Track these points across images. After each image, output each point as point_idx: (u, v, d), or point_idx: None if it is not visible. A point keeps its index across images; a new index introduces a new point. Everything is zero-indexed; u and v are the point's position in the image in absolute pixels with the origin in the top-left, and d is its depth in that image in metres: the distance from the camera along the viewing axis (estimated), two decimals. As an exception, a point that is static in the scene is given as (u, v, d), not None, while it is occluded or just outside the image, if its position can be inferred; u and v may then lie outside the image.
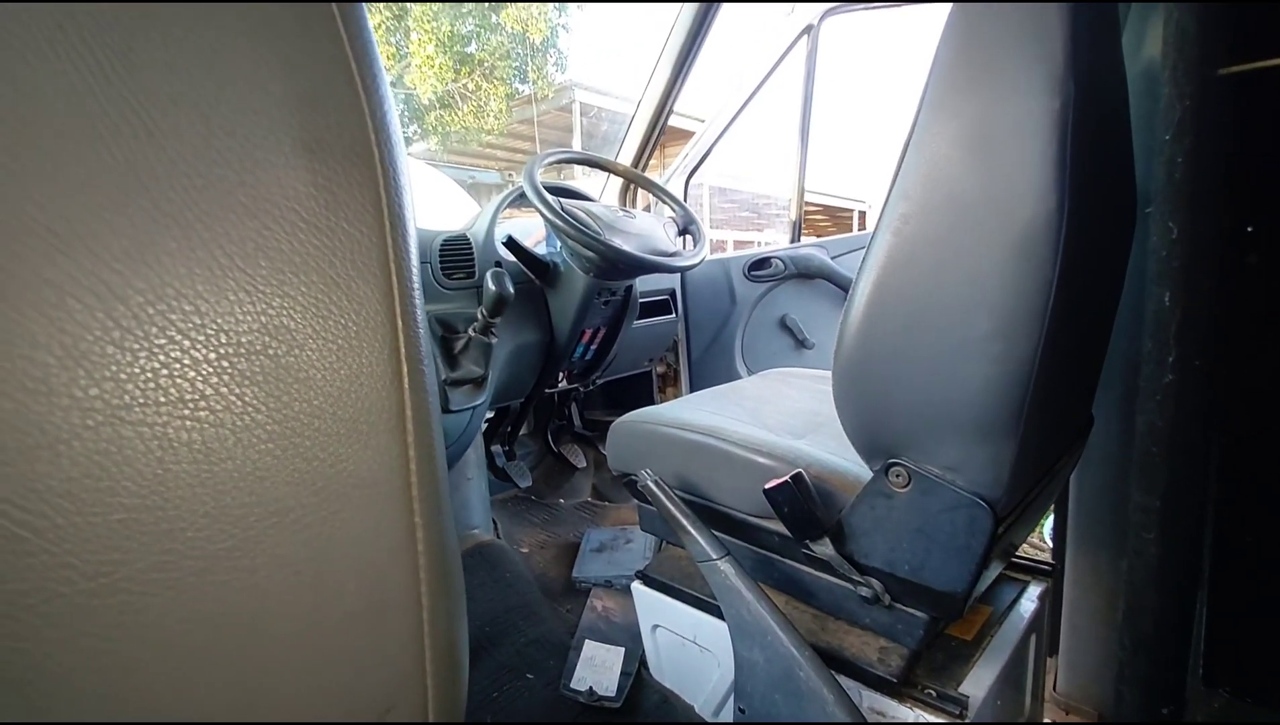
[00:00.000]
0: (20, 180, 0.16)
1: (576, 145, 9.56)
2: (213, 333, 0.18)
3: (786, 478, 0.72)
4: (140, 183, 0.17)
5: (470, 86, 8.71)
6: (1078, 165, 0.55)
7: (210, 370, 0.18)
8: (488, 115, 8.94)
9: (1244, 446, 0.64)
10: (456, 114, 8.89)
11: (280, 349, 0.20)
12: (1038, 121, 0.55)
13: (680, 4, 1.56)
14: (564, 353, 1.44)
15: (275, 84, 0.19)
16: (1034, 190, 0.55)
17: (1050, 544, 1.59)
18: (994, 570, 0.80)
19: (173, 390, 0.18)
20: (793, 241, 2.01)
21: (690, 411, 0.99)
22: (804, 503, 0.72)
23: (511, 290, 1.07)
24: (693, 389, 1.97)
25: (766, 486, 0.73)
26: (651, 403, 1.98)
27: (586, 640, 1.15)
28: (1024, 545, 1.71)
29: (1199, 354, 0.45)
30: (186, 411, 0.18)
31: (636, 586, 1.05)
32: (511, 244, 1.30)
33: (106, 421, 0.17)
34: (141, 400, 0.17)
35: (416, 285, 0.23)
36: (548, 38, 8.38)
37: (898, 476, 0.67)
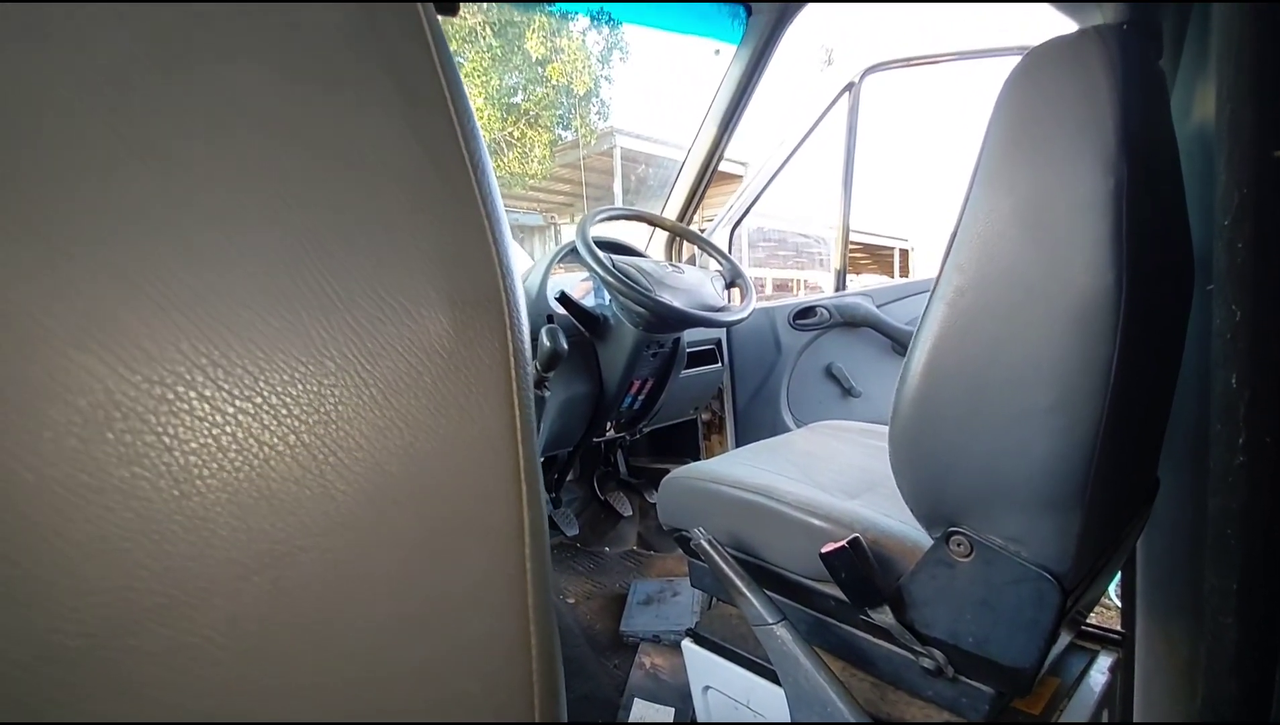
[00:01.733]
0: (229, 350, 0.19)
1: (617, 187, 9.80)
2: (368, 461, 0.21)
3: (844, 543, 0.72)
4: (322, 348, 0.20)
5: (515, 134, 9.05)
6: (1134, 241, 0.56)
7: (363, 496, 0.21)
8: (532, 161, 9.25)
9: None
10: (502, 160, 9.23)
11: (423, 473, 0.22)
12: (1092, 200, 0.56)
13: (729, 61, 1.62)
14: (613, 403, 1.47)
15: (428, 244, 0.23)
16: (1091, 267, 0.56)
17: (1118, 604, 1.51)
18: (1063, 641, 0.77)
19: (334, 514, 0.21)
20: (837, 289, 2.02)
21: (742, 467, 1.00)
22: (862, 569, 0.72)
23: (565, 346, 1.11)
24: (738, 437, 1.97)
25: (823, 551, 0.73)
26: (697, 450, 1.98)
27: (636, 699, 1.15)
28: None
29: (1270, 432, 0.45)
30: (350, 535, 0.21)
31: (688, 645, 1.05)
32: (564, 299, 1.35)
33: (288, 552, 0.20)
34: (314, 528, 0.20)
35: (532, 409, 0.25)
36: (591, 89, 8.69)
37: (959, 545, 0.66)
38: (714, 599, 1.13)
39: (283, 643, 0.20)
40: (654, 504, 1.93)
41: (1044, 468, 0.59)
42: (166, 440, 0.18)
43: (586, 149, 9.59)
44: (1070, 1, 0.65)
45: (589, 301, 1.50)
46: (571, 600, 1.56)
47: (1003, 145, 0.61)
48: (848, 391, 1.91)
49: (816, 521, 0.81)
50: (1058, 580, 0.60)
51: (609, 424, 1.58)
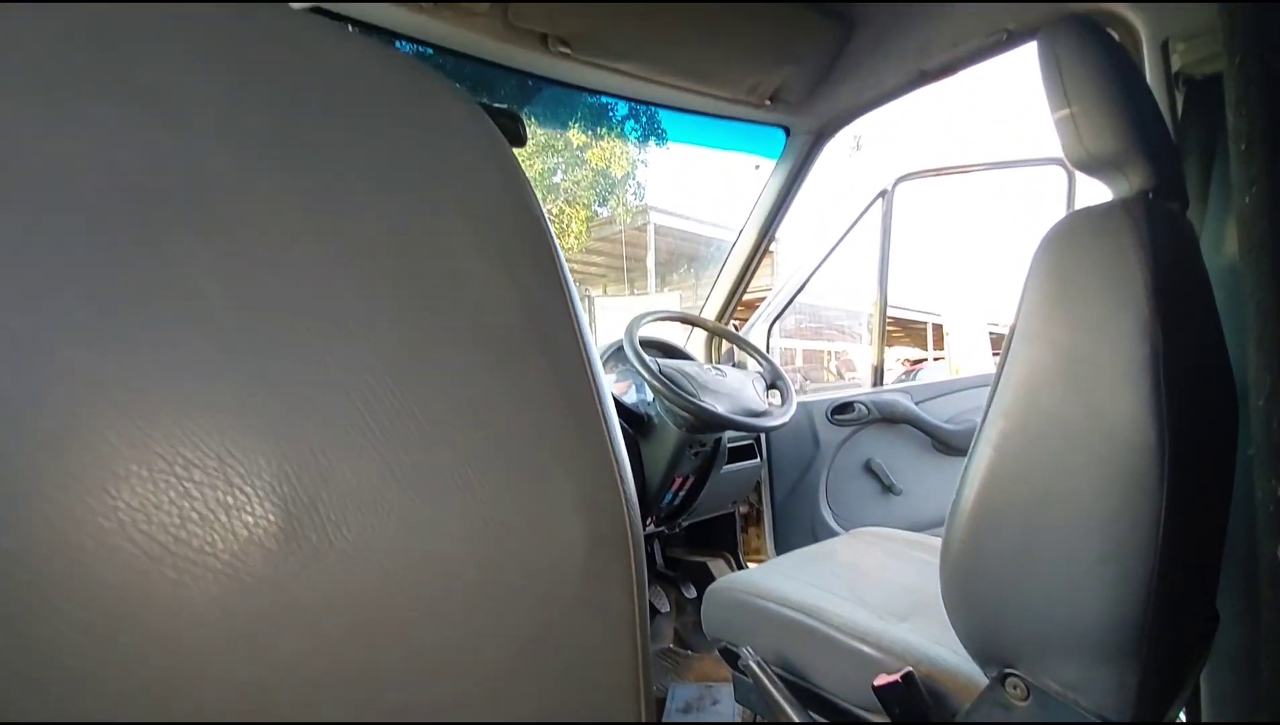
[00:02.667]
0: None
1: (651, 261, 10.10)
2: (518, 680, 0.26)
3: (897, 677, 0.73)
4: (492, 572, 0.25)
5: (554, 211, 9.47)
6: (1174, 399, 0.59)
7: (510, 706, 0.26)
8: (569, 235, 9.61)
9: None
10: (540, 237, 9.60)
11: (552, 682, 0.27)
12: (1130, 361, 0.60)
13: (768, 176, 1.72)
14: (655, 500, 1.50)
15: (569, 492, 0.28)
16: (1134, 423, 0.59)
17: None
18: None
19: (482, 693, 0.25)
20: (874, 385, 2.05)
21: (788, 582, 1.01)
22: (916, 705, 0.72)
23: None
24: (776, 531, 1.96)
25: (876, 683, 0.74)
26: (735, 543, 1.98)
27: (678, 815, 1.12)
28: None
29: None
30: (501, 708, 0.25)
31: (733, 762, 1.04)
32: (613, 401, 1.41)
33: (425, 671, 0.24)
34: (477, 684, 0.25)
35: (649, 631, 0.30)
36: (628, 171, 9.12)
37: (1015, 688, 0.67)
38: (757, 716, 1.12)
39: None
40: (690, 599, 1.92)
41: (1098, 617, 0.61)
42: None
43: (622, 225, 9.95)
44: (1097, 172, 0.71)
45: (630, 397, 1.56)
46: (609, 701, 1.54)
47: (1041, 303, 0.66)
48: (887, 488, 1.91)
49: (868, 649, 0.81)
50: (1118, 733, 0.60)
51: (649, 519, 1.61)
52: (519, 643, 0.26)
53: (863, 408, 1.89)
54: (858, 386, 2.05)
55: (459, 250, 0.27)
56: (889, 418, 1.90)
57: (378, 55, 0.29)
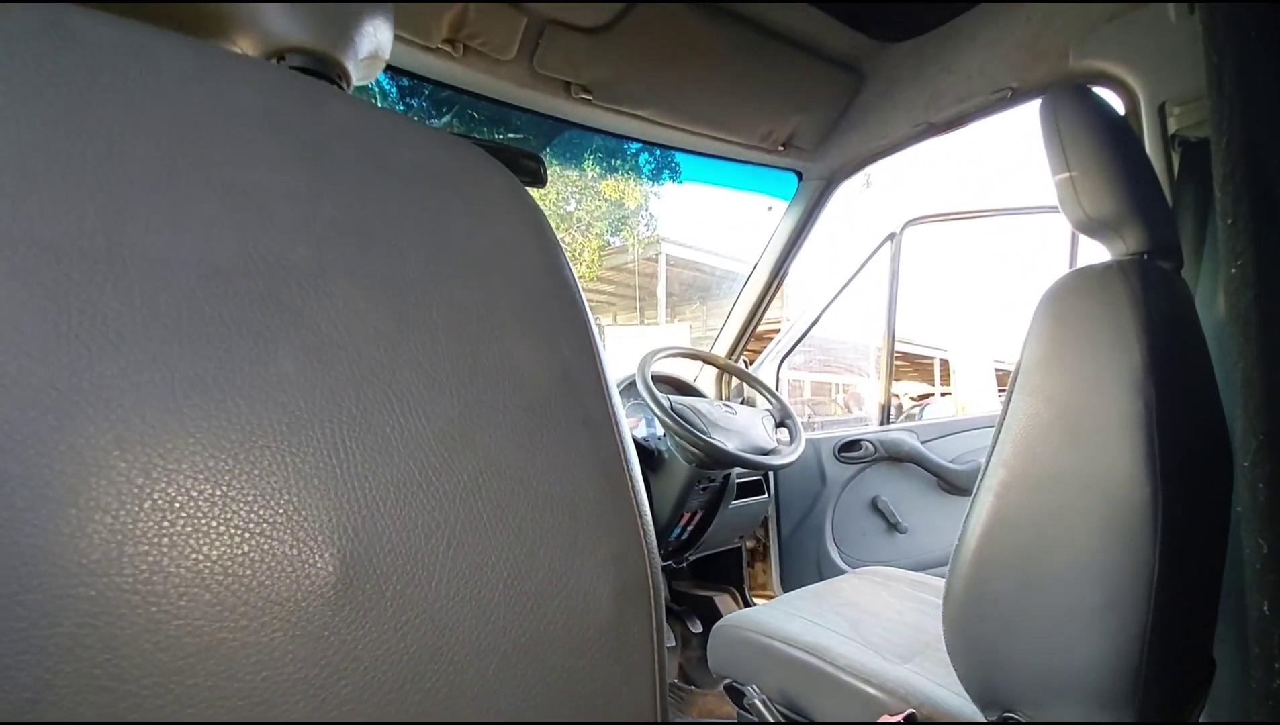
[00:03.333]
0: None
1: (660, 292, 10.19)
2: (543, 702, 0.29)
3: (899, 718, 0.75)
4: (527, 611, 0.28)
5: (566, 239, 9.61)
6: (1167, 454, 0.62)
7: None
8: (580, 264, 9.73)
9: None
10: (552, 265, 9.72)
11: (595, 700, 0.29)
12: (1125, 418, 0.62)
13: (780, 217, 1.77)
14: (663, 534, 1.51)
15: (601, 550, 0.31)
16: (1127, 478, 0.62)
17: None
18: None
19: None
20: (882, 424, 2.07)
21: (793, 620, 1.03)
22: (918, 747, 0.73)
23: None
24: (782, 567, 1.97)
25: (879, 724, 0.76)
26: (741, 578, 1.98)
27: None
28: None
29: None
30: None
31: (735, 801, 1.04)
32: (623, 436, 1.44)
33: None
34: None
35: (666, 676, 0.33)
36: (641, 204, 9.27)
37: (1015, 733, 0.68)
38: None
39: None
40: (696, 634, 1.92)
41: (1095, 664, 0.63)
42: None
43: (633, 255, 10.07)
44: (1095, 233, 0.74)
45: (640, 432, 1.58)
46: (612, 735, 1.54)
47: (1040, 358, 0.69)
48: (893, 526, 1.92)
49: (871, 690, 0.83)
50: (1115, 780, 0.62)
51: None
52: (551, 686, 0.29)
53: (869, 446, 1.91)
54: (864, 422, 2.07)
55: (506, 324, 0.31)
56: (895, 456, 1.91)
57: (435, 141, 0.33)
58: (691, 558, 1.74)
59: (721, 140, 1.42)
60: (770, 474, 1.88)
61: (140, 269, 0.23)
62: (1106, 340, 0.65)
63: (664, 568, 1.86)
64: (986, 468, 0.72)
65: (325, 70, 0.35)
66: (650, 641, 0.31)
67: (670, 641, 1.87)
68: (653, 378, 1.43)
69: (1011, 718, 0.69)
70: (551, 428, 0.31)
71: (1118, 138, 0.75)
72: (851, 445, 1.93)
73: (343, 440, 0.25)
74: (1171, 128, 1.07)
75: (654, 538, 0.33)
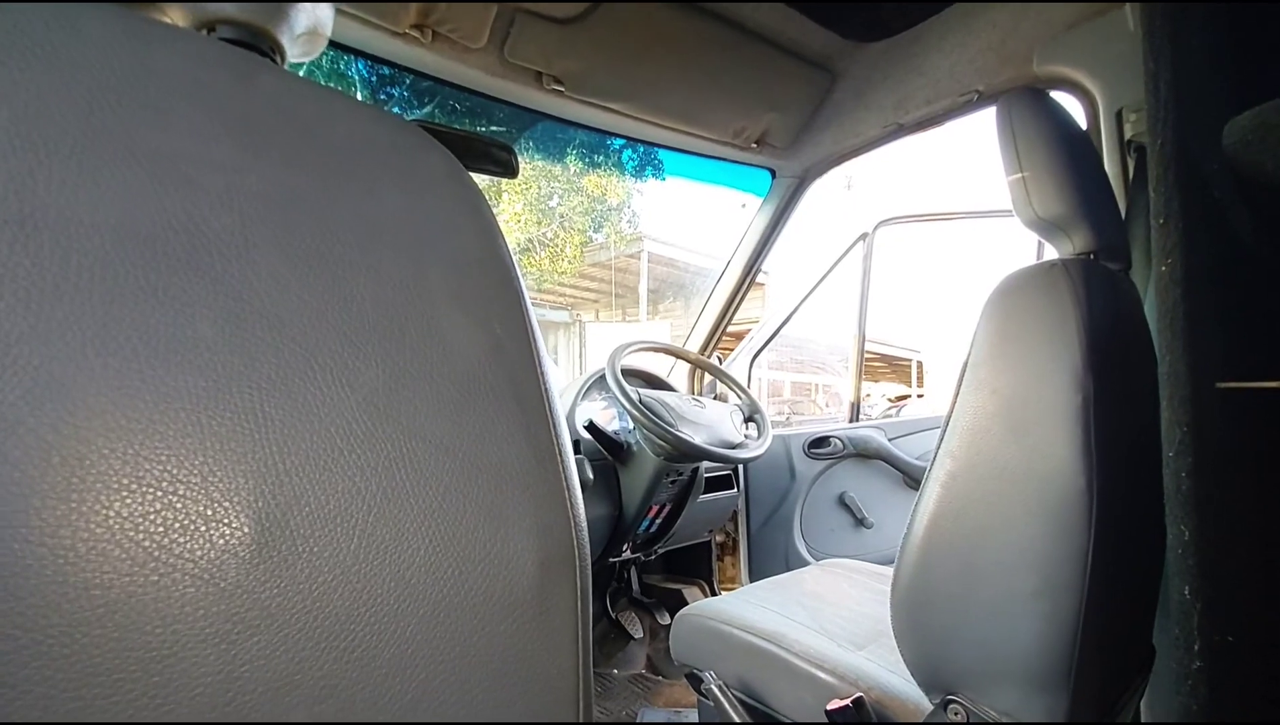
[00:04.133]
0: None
1: (642, 289, 10.19)
2: (469, 669, 0.29)
3: (848, 701, 0.76)
4: (450, 582, 0.29)
5: (549, 235, 9.57)
6: (1103, 446, 0.64)
7: (461, 707, 0.29)
8: (562, 259, 9.70)
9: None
10: (534, 257, 9.70)
11: (502, 684, 0.30)
12: (1064, 412, 0.64)
13: (754, 213, 1.79)
14: (631, 526, 1.52)
15: (527, 521, 0.32)
16: (1065, 468, 0.64)
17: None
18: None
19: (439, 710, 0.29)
20: (850, 421, 2.10)
21: (754, 609, 1.04)
22: (865, 729, 0.75)
23: (591, 477, 1.19)
24: (751, 561, 1.99)
25: (828, 708, 0.77)
26: (710, 571, 2.00)
27: (639, 840, 1.13)
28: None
29: (1222, 632, 0.51)
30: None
31: (693, 786, 1.05)
32: (592, 428, 1.45)
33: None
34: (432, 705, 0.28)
35: (590, 644, 0.33)
36: (624, 200, 9.26)
37: (956, 713, 0.70)
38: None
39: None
40: (665, 626, 1.93)
41: (1032, 649, 0.65)
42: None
43: (615, 251, 10.07)
44: (1044, 233, 0.77)
45: (612, 426, 1.59)
46: (577, 725, 1.55)
47: (987, 353, 0.71)
48: (860, 522, 1.95)
49: (823, 675, 0.85)
50: (1048, 760, 0.64)
51: (626, 545, 1.63)
52: (470, 651, 0.29)
53: (838, 442, 1.94)
54: (838, 421, 2.10)
55: (437, 300, 0.31)
56: (863, 453, 1.94)
57: (370, 118, 0.34)
58: (661, 550, 1.75)
59: (695, 136, 1.43)
60: (740, 469, 1.90)
61: (53, 231, 0.23)
62: (1049, 336, 0.67)
63: (634, 560, 1.88)
64: (934, 460, 0.74)
65: (258, 44, 0.35)
66: (574, 612, 0.32)
67: (638, 633, 1.88)
68: (626, 372, 1.44)
69: (953, 700, 0.71)
70: (480, 401, 0.31)
71: (1070, 141, 0.77)
72: (821, 442, 1.95)
73: (261, 405, 0.26)
74: (1128, 133, 1.10)
75: (583, 512, 0.34)
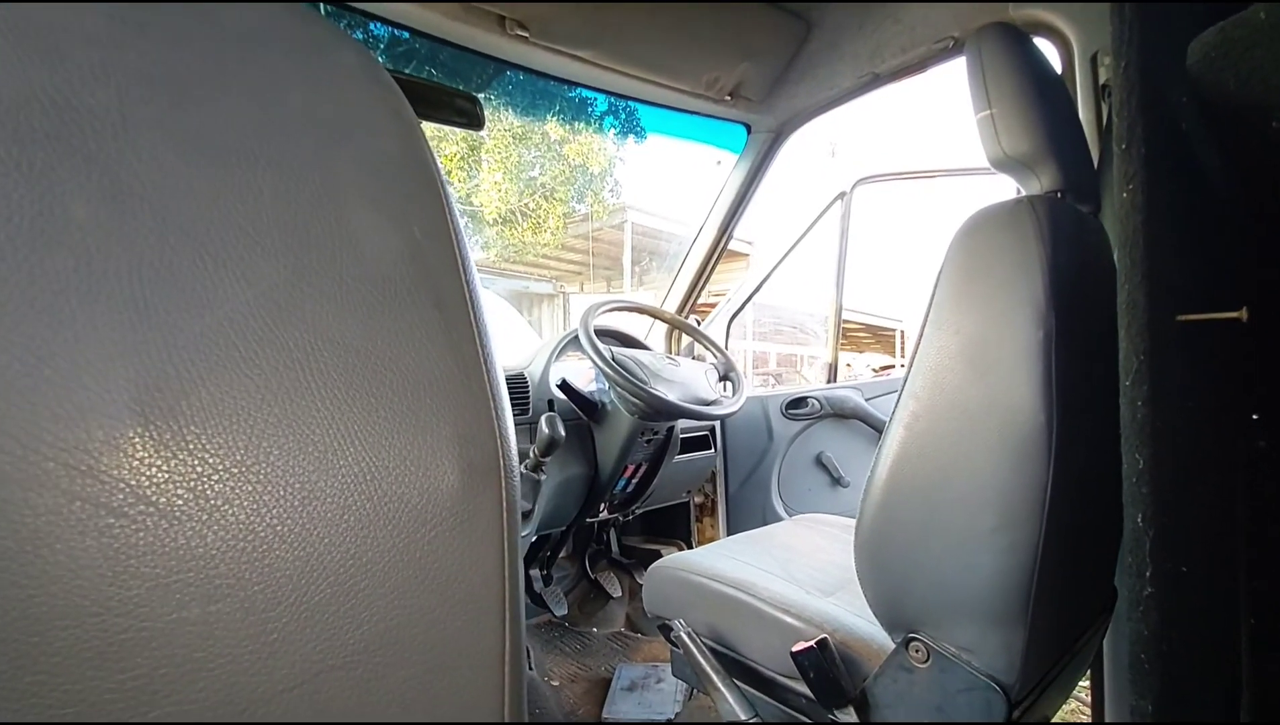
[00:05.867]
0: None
1: (626, 260, 10.12)
2: (389, 583, 0.28)
3: (813, 643, 0.77)
4: (363, 491, 0.28)
5: (531, 205, 9.43)
6: (1064, 382, 0.64)
7: (378, 611, 0.28)
8: (545, 230, 9.58)
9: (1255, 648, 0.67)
10: (516, 229, 9.57)
11: (427, 597, 0.29)
12: (1026, 347, 0.64)
13: (730, 167, 1.76)
14: (607, 486, 1.52)
15: (449, 426, 0.30)
16: (1026, 404, 0.64)
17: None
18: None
19: (358, 620, 0.27)
20: (829, 382, 2.10)
21: (725, 560, 1.05)
22: (829, 669, 0.76)
23: (563, 434, 1.18)
24: (729, 520, 2.01)
25: (794, 649, 0.78)
26: (689, 532, 2.02)
27: (614, 787, 1.15)
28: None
29: (1184, 561, 0.51)
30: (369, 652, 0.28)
31: (667, 735, 1.07)
32: (565, 386, 1.43)
33: (322, 669, 0.26)
34: (346, 645, 0.27)
35: (519, 553, 0.32)
36: (606, 168, 9.12)
37: (917, 651, 0.71)
38: (694, 689, 1.15)
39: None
40: (643, 586, 1.95)
41: (990, 584, 0.65)
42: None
43: (599, 222, 9.96)
44: (1012, 172, 0.76)
45: (592, 387, 1.58)
46: (556, 683, 1.56)
47: (951, 292, 0.70)
48: (836, 481, 1.97)
49: (790, 619, 0.85)
50: (1004, 691, 0.65)
51: (603, 505, 1.63)
52: (384, 558, 0.28)
53: (815, 403, 1.95)
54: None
55: (348, 198, 0.30)
56: (840, 413, 1.95)
57: (276, 6, 0.31)
58: (639, 511, 1.75)
59: (667, 87, 1.39)
60: (717, 429, 1.90)
61: None
62: (1013, 272, 0.66)
63: (612, 521, 1.88)
64: (898, 402, 0.73)
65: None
66: (500, 520, 0.31)
67: (616, 592, 1.90)
68: (602, 333, 1.42)
69: (914, 638, 0.71)
70: (396, 305, 0.30)
71: (1040, 79, 0.76)
72: (798, 402, 1.96)
73: (143, 293, 0.24)
74: (1102, 78, 1.08)
75: (510, 423, 0.33)
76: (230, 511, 0.25)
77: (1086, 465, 0.68)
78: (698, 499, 2.04)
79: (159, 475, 0.23)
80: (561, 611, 1.73)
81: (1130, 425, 0.53)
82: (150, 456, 0.23)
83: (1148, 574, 0.51)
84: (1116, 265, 0.59)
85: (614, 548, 2.03)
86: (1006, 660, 0.66)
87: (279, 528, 0.25)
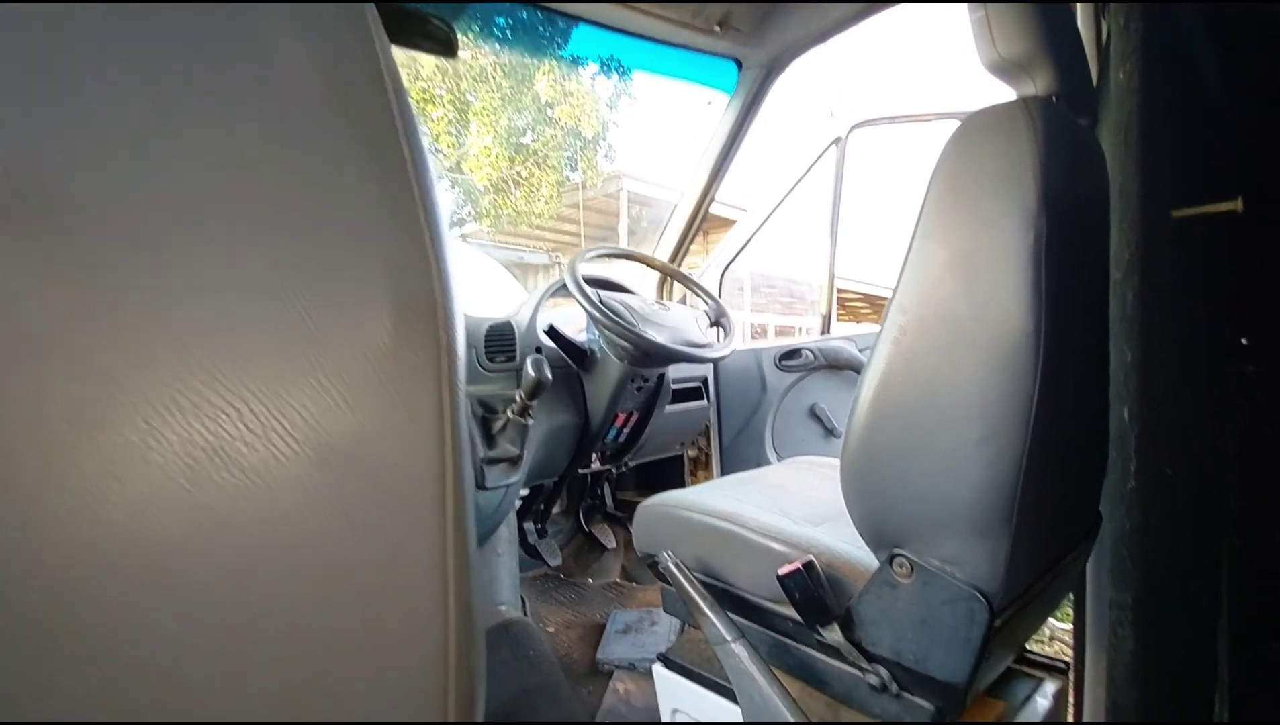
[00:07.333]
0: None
1: (622, 229, 10.00)
2: (311, 433, 0.26)
3: (798, 565, 0.76)
4: (282, 339, 0.26)
5: (523, 173, 9.30)
6: (1054, 288, 0.62)
7: (303, 462, 0.26)
8: (539, 200, 9.45)
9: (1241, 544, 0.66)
10: (509, 199, 9.44)
11: (358, 447, 0.27)
12: (1016, 252, 0.62)
13: (722, 109, 1.71)
14: (597, 435, 1.51)
15: (378, 259, 0.28)
16: (1015, 311, 0.62)
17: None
18: (1001, 662, 0.80)
19: (276, 472, 0.25)
20: (822, 333, 2.08)
21: (714, 497, 1.04)
22: (814, 589, 0.76)
23: (549, 376, 1.16)
24: (724, 472, 2.01)
25: (780, 572, 0.77)
26: (683, 485, 2.02)
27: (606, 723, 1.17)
28: (1054, 642, 1.65)
29: (1158, 460, 0.50)
30: (286, 494, 0.26)
31: (658, 669, 1.07)
32: (552, 332, 1.41)
33: (234, 511, 0.24)
34: (260, 483, 0.25)
35: (461, 399, 0.30)
36: (599, 132, 8.96)
37: (901, 567, 0.71)
38: (686, 625, 1.16)
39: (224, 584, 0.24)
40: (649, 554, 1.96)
41: (975, 495, 0.64)
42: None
43: (593, 190, 9.83)
44: (1007, 76, 0.73)
45: (582, 338, 1.56)
46: (551, 629, 1.58)
47: (939, 201, 0.68)
48: (830, 431, 1.96)
49: (777, 546, 0.85)
50: (987, 600, 0.64)
51: (594, 455, 1.63)
52: (319, 396, 0.26)
53: (809, 354, 1.93)
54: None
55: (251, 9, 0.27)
56: (834, 364, 1.93)
57: None
58: (631, 463, 1.75)
59: (652, 16, 1.34)
60: (710, 380, 1.89)
61: None
62: (1004, 175, 0.64)
63: (605, 473, 1.88)
64: (885, 319, 0.71)
65: None
66: (435, 361, 0.29)
67: (611, 544, 1.90)
68: (591, 281, 1.40)
69: (899, 553, 0.71)
70: (304, 119, 0.27)
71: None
72: (792, 353, 1.94)
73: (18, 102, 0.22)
74: (1102, -3, 1.04)
75: (445, 251, 0.30)
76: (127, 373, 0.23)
77: (1074, 376, 0.67)
78: (691, 453, 2.04)
79: (27, 243, 0.21)
80: (555, 561, 1.73)
81: (1119, 320, 0.51)
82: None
83: (1132, 468, 0.50)
84: (1109, 165, 0.57)
85: (608, 502, 2.03)
86: (990, 570, 0.65)
87: (181, 401, 0.23)
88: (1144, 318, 0.50)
